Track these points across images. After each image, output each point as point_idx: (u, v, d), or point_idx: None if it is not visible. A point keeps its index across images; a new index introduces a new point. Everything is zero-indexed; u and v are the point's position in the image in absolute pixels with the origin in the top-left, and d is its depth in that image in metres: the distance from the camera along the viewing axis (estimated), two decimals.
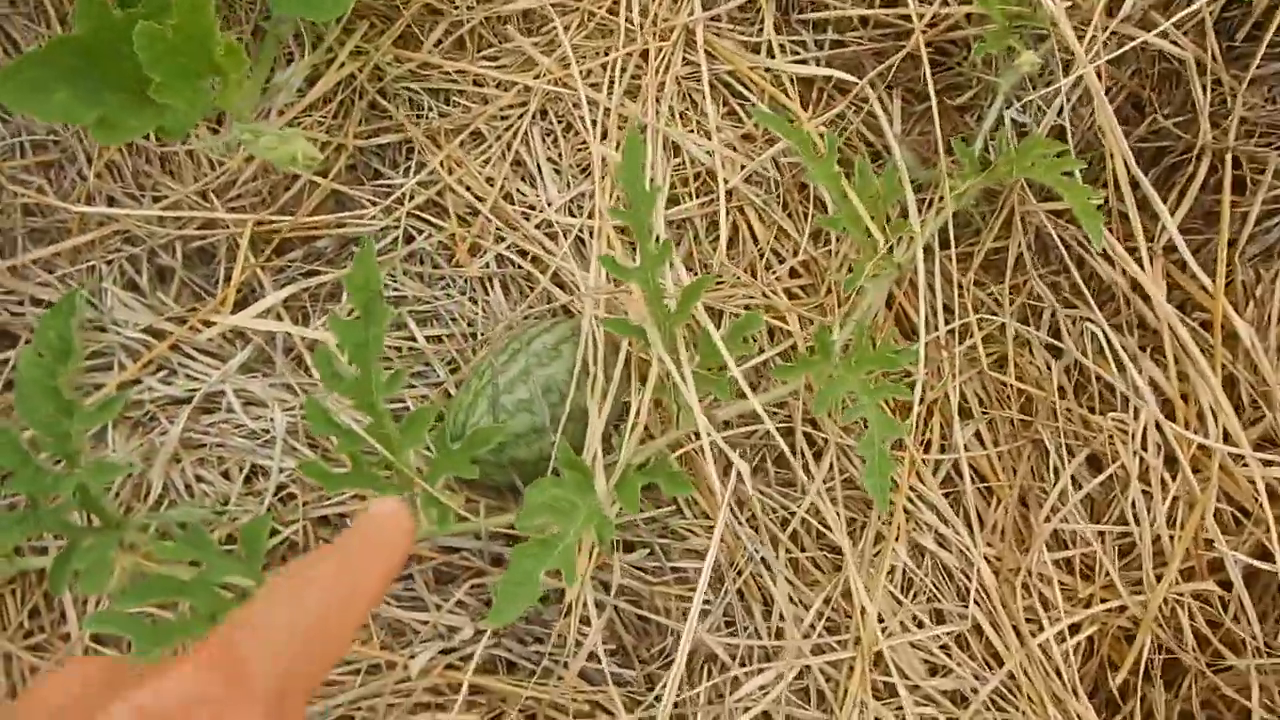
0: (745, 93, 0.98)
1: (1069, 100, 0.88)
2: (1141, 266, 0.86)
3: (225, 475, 0.88)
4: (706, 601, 0.87)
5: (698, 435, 0.85)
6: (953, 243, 0.90)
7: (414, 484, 0.75)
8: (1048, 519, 0.89)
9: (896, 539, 0.88)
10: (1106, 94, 0.88)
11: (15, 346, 0.97)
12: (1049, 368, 0.93)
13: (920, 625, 0.89)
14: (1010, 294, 0.95)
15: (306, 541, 0.86)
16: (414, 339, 0.95)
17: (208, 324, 0.94)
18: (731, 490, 0.83)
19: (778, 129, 0.83)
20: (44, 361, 0.69)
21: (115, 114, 0.83)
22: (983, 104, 0.94)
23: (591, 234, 0.95)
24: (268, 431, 0.88)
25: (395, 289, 0.96)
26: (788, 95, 0.95)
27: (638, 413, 0.78)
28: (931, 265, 0.91)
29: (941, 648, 0.89)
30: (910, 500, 0.91)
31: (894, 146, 0.87)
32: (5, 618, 0.84)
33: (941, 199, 0.87)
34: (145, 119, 0.84)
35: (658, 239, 0.88)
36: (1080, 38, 0.83)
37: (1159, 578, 0.88)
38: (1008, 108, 0.89)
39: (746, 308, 0.93)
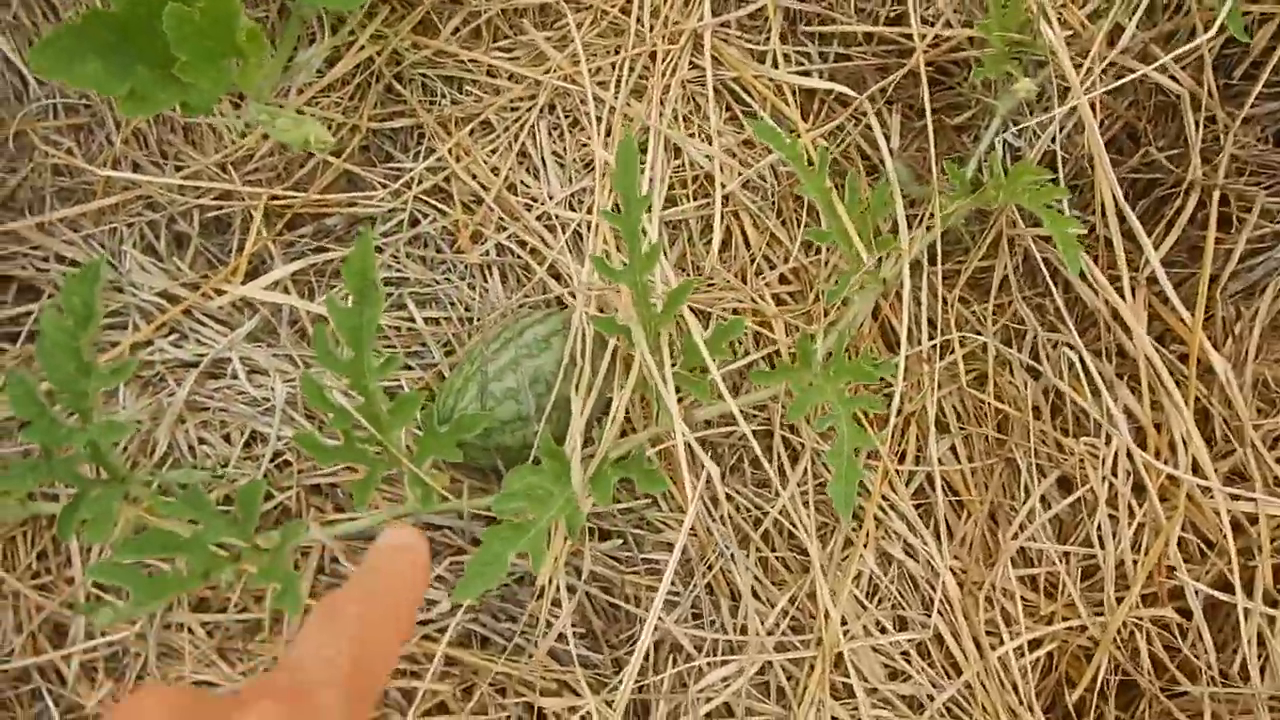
0: (748, 100, 1.00)
1: (1064, 128, 0.90)
2: (1123, 296, 0.88)
3: (226, 439, 0.92)
4: (675, 593, 0.90)
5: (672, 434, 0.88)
6: (940, 259, 0.92)
7: (401, 462, 0.79)
8: (1015, 536, 0.92)
9: (865, 546, 0.91)
10: (1102, 124, 0.89)
11: (38, 300, 1.01)
12: (1026, 388, 0.95)
13: (883, 630, 0.92)
14: (994, 313, 0.97)
15: (299, 507, 0.90)
16: (413, 320, 0.99)
17: (219, 292, 0.98)
18: (703, 488, 0.86)
19: (772, 142, 0.85)
20: (67, 324, 0.73)
21: (143, 87, 0.87)
22: (980, 125, 0.95)
23: (590, 229, 0.98)
24: (268, 400, 0.92)
25: (398, 270, 1.00)
26: (789, 105, 0.97)
27: (618, 410, 0.81)
28: (919, 281, 0.93)
29: (902, 654, 0.92)
30: (882, 509, 0.94)
31: (888, 162, 0.89)
32: (15, 558, 0.89)
33: (933, 216, 0.89)
34: (171, 94, 0.88)
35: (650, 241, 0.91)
36: (1078, 67, 0.84)
37: (1120, 601, 0.91)
38: (1004, 131, 0.91)
39: (734, 311, 0.96)
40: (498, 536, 0.71)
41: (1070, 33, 0.86)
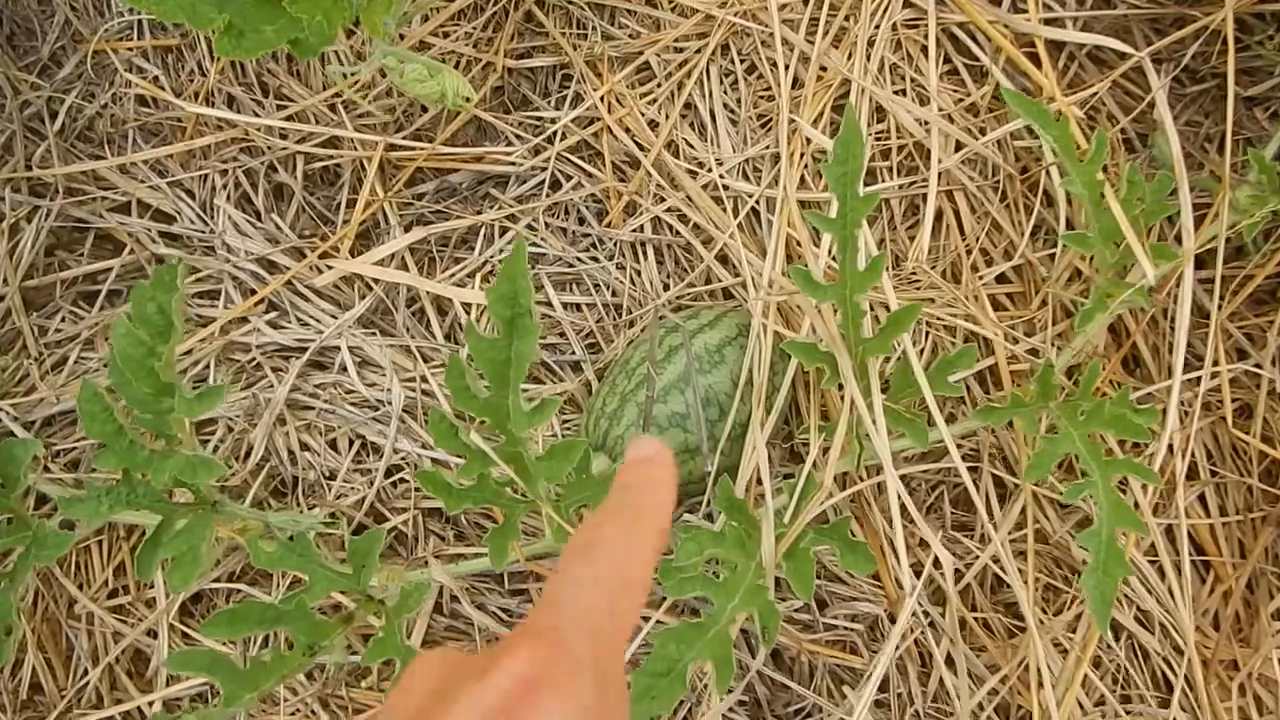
0: (976, 53, 0.80)
1: None
2: None
3: (332, 445, 0.78)
4: (858, 657, 0.75)
5: (867, 470, 0.72)
6: (1219, 266, 0.72)
7: (545, 509, 0.64)
8: None
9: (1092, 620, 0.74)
10: None
11: (118, 255, 0.88)
12: None
13: (1101, 707, 0.76)
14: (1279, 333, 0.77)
15: (416, 533, 0.76)
16: (549, 304, 0.83)
17: (326, 265, 0.83)
18: (927, 596, 0.70)
19: (1035, 119, 0.66)
20: (142, 339, 0.58)
21: (245, 19, 0.70)
22: None
23: (770, 206, 0.80)
24: (383, 403, 0.78)
25: (534, 244, 0.84)
26: (1037, 65, 0.77)
27: (825, 473, 0.65)
28: (1183, 291, 0.74)
29: None
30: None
31: (1172, 144, 0.69)
32: (90, 574, 0.77)
33: (1217, 214, 0.70)
34: (278, 30, 0.71)
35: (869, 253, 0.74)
36: None
37: None
38: None
39: (941, 318, 0.78)
40: (673, 638, 0.56)
41: None
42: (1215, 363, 0.76)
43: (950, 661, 0.75)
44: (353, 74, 0.79)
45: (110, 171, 0.89)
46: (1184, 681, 0.75)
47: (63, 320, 0.86)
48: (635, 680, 0.55)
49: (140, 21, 0.92)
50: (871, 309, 0.76)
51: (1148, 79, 0.78)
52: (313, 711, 0.73)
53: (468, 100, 0.71)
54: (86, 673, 0.75)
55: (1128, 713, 0.76)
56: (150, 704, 0.73)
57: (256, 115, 0.87)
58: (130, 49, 0.91)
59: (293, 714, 0.73)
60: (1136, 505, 0.75)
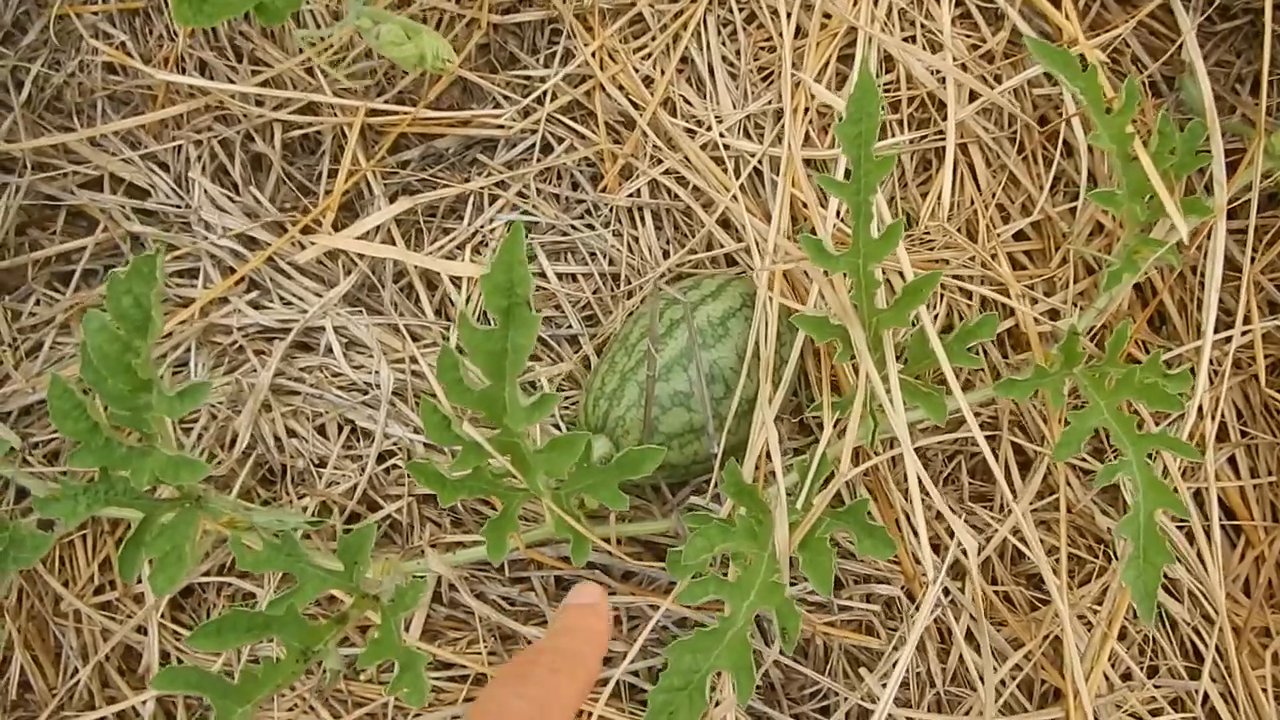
0: None
1: None
2: None
3: (320, 431, 0.75)
4: (875, 638, 0.72)
5: (882, 444, 0.69)
6: (1253, 215, 0.68)
7: (545, 502, 0.61)
8: None
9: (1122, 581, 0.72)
10: None
11: (91, 233, 0.84)
12: None
13: (1129, 681, 0.74)
14: None
15: (412, 521, 0.73)
16: (544, 275, 0.79)
17: (309, 240, 0.79)
18: (946, 569, 0.67)
19: (1060, 70, 0.61)
20: (118, 334, 0.54)
21: None
22: None
23: (774, 166, 0.76)
24: (371, 386, 0.74)
25: (526, 211, 0.79)
26: (1057, 5, 0.72)
27: (843, 458, 0.61)
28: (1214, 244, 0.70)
29: (1152, 712, 0.74)
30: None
31: (1203, 90, 0.65)
32: (75, 570, 0.75)
33: (1251, 160, 0.66)
34: None
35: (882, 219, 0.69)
36: None
37: None
38: None
39: (957, 278, 0.74)
40: (688, 649, 0.53)
41: None
42: (1247, 318, 0.72)
43: (971, 638, 0.73)
44: (324, 38, 0.74)
45: (81, 144, 0.84)
46: (1215, 651, 0.73)
47: (36, 303, 0.83)
48: (652, 697, 0.52)
49: None
50: (884, 274, 0.72)
51: (1175, 17, 0.73)
52: (310, 708, 0.71)
53: (448, 63, 0.66)
54: (76, 671, 0.73)
55: (1155, 686, 0.74)
56: (144, 702, 0.70)
57: (230, 81, 0.82)
58: (95, 12, 0.86)
59: (290, 710, 0.70)
60: (1165, 472, 0.72)
